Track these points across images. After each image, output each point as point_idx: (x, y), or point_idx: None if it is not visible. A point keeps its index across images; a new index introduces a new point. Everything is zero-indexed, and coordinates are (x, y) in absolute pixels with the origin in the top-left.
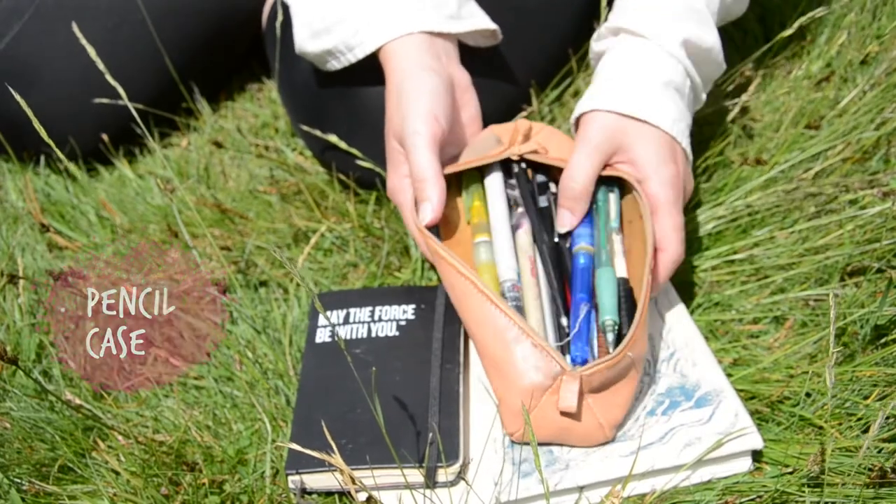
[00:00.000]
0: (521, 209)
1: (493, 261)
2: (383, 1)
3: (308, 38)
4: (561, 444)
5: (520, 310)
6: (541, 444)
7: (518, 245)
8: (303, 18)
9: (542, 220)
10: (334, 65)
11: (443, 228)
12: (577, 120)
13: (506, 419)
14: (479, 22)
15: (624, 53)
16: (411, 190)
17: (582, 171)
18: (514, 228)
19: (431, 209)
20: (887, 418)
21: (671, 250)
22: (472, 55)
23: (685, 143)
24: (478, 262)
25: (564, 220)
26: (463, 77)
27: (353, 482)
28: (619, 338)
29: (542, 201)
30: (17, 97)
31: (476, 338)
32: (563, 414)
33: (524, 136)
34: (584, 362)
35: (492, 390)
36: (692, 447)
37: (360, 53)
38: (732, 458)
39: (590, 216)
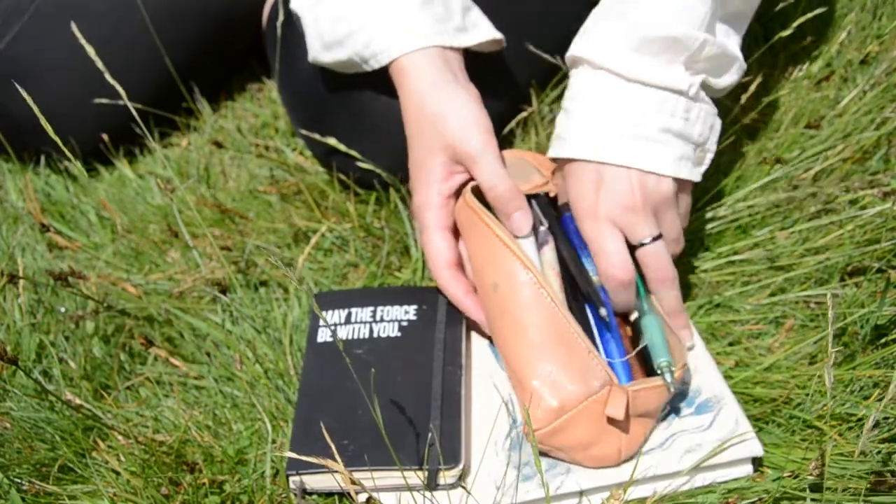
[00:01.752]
0: (543, 227)
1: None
2: (392, 14)
3: (321, 50)
4: (565, 460)
5: None
6: (543, 455)
7: (544, 261)
8: (314, 30)
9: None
10: (349, 72)
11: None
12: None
13: (536, 412)
14: (484, 33)
15: (573, 90)
16: (439, 211)
17: (619, 258)
18: (540, 246)
19: (528, 216)
20: (886, 418)
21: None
22: (472, 56)
23: (621, 158)
24: None
25: None
26: (474, 93)
27: (356, 491)
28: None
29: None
30: (24, 94)
31: (527, 324)
32: (609, 421)
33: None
34: None
35: (520, 384)
36: (692, 453)
37: (374, 64)
38: (733, 464)
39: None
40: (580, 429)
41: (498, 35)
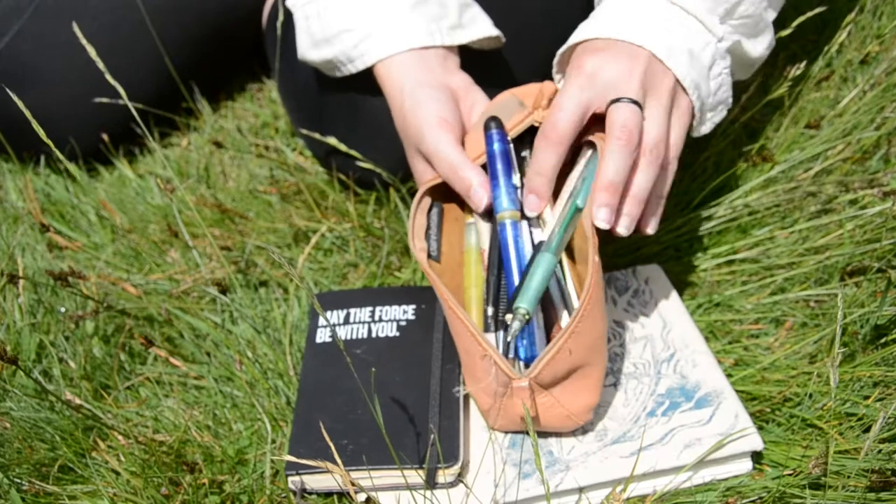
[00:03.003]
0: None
1: (479, 245)
2: (384, 14)
3: (310, 47)
4: (542, 432)
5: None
6: (519, 432)
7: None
8: (305, 27)
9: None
10: (336, 74)
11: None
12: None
13: (481, 412)
14: (481, 30)
15: None
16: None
17: (562, 112)
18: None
19: (481, 190)
20: (887, 419)
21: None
22: (472, 57)
23: (671, 61)
24: (467, 244)
25: (537, 164)
26: (463, 79)
27: (354, 490)
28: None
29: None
30: (16, 100)
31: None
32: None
33: (548, 100)
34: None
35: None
36: (692, 448)
37: (360, 65)
38: (733, 459)
39: (509, 174)
40: (521, 420)
41: (496, 32)
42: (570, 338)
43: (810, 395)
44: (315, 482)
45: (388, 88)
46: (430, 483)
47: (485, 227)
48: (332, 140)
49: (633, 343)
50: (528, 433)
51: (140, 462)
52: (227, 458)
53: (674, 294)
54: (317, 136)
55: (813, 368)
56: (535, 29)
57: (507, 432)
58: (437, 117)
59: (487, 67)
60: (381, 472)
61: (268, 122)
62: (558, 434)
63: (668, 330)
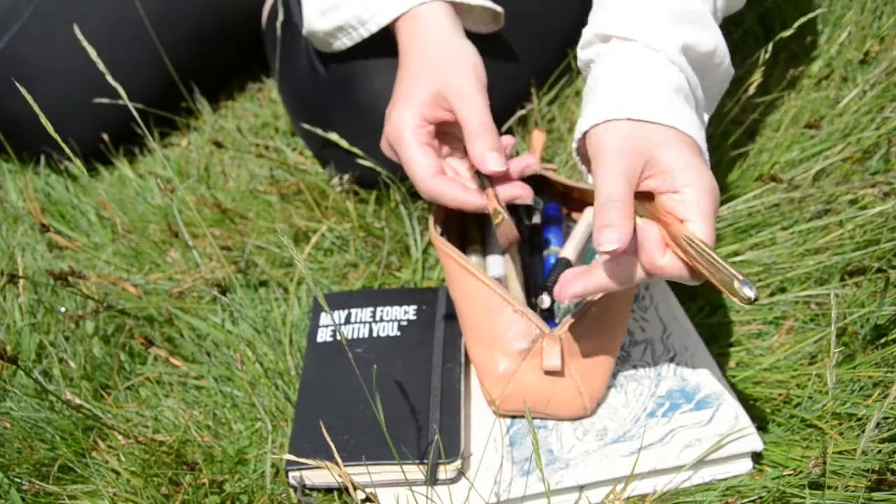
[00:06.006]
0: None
1: (482, 264)
2: None
3: (317, 16)
4: (543, 418)
5: None
6: (521, 417)
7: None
8: None
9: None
10: (345, 42)
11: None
12: (585, 138)
13: (487, 385)
14: None
15: (620, 60)
16: (418, 130)
17: (617, 185)
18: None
19: (496, 154)
20: (885, 418)
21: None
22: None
23: (706, 155)
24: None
25: (611, 237)
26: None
27: (353, 487)
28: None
29: (536, 217)
30: (24, 92)
31: (462, 311)
32: (548, 373)
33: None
34: None
35: (473, 364)
36: (692, 448)
37: (373, 27)
38: (733, 459)
39: (560, 230)
40: (529, 387)
41: (497, 8)
42: (598, 302)
43: (810, 396)
44: (316, 477)
45: (417, 27)
46: (432, 479)
47: (495, 250)
48: (333, 136)
49: (633, 347)
50: (530, 425)
51: (140, 462)
52: (227, 458)
53: (674, 300)
54: (318, 131)
55: (813, 369)
56: (532, 24)
57: (512, 416)
58: (479, 78)
59: (485, 61)
60: (382, 467)
61: (268, 122)
62: (558, 433)
63: (668, 334)
